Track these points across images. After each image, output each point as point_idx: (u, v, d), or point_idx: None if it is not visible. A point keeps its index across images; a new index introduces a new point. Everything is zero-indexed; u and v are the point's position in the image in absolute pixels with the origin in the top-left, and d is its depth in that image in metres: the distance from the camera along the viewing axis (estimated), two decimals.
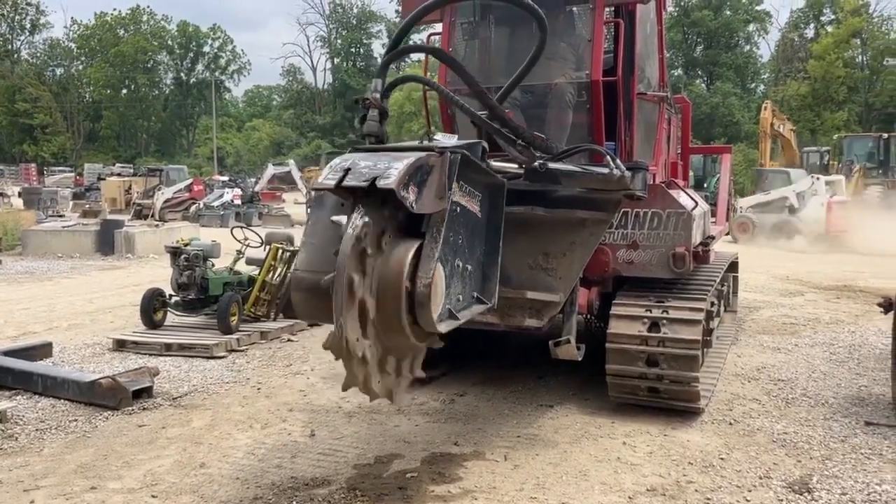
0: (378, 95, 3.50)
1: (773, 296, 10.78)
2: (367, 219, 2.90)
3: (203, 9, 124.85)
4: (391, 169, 2.85)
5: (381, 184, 2.80)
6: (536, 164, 4.02)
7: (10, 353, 6.58)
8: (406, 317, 3.06)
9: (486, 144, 3.66)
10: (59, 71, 74.29)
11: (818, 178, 19.64)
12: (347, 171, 2.91)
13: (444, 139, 3.52)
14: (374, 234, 2.97)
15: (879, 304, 6.49)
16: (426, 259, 3.01)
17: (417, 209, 2.97)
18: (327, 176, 2.95)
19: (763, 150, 28.20)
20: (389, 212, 3.03)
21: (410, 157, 2.96)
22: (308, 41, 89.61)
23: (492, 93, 4.13)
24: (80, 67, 73.53)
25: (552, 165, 4.07)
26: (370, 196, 2.88)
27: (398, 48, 3.84)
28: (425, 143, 3.42)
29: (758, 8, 61.29)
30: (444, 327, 3.20)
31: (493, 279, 3.67)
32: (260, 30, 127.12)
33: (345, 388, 3.12)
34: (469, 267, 3.48)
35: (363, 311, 2.96)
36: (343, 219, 2.97)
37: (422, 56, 5.87)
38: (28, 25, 71.65)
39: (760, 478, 4.29)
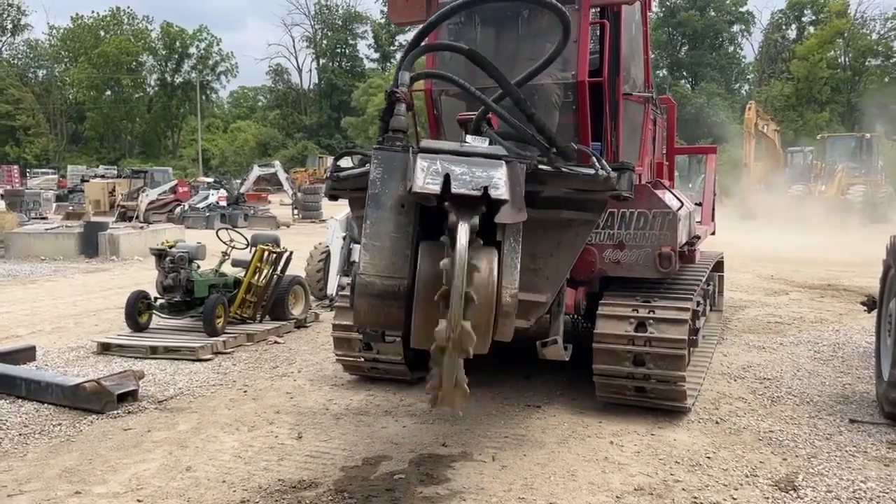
0: (406, 89, 3.42)
1: (759, 295, 10.86)
2: (472, 225, 2.80)
3: (175, 7, 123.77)
4: (495, 178, 2.80)
5: (494, 194, 2.75)
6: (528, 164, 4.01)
7: None
8: (491, 328, 2.99)
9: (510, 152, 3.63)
10: (41, 72, 73.69)
11: None
12: (447, 177, 2.83)
13: (475, 142, 3.42)
14: (475, 240, 2.89)
15: (863, 303, 6.57)
16: (509, 269, 2.95)
17: (502, 218, 2.91)
18: (426, 181, 2.85)
19: (747, 150, 28.42)
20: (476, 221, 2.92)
21: (502, 166, 2.90)
22: (293, 42, 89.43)
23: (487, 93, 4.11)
24: (63, 68, 72.91)
25: (542, 167, 4.07)
26: (469, 205, 2.80)
27: (425, 45, 3.75)
28: (496, 149, 3.28)
29: (741, 9, 61.80)
30: (506, 337, 3.17)
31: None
32: (237, 30, 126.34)
33: (435, 405, 3.03)
34: None
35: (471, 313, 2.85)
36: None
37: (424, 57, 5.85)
38: (9, 26, 70.96)
39: (747, 476, 4.31)
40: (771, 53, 58.61)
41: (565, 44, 3.71)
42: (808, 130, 44.63)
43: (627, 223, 5.42)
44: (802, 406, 5.61)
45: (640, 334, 5.09)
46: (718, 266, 8.20)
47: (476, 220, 2.87)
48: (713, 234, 8.42)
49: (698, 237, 6.69)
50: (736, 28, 63.14)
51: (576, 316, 6.24)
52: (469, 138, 3.58)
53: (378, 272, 3.10)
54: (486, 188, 2.77)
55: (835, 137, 29.51)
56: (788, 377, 6.39)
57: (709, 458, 4.58)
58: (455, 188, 2.80)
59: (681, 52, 62.48)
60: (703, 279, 6.15)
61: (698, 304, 5.89)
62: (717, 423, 5.22)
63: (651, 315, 5.14)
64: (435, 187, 2.83)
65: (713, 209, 8.54)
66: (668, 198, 5.70)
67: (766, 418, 5.33)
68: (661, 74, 57.31)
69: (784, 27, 59.69)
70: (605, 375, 5.24)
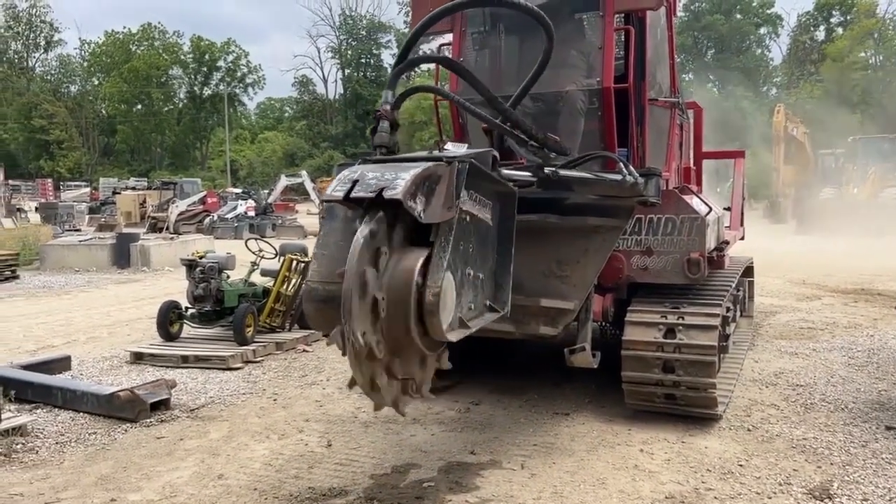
0: (389, 107, 3.53)
1: (790, 300, 10.71)
2: (375, 225, 2.92)
3: (197, 21, 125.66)
4: (398, 180, 2.88)
5: (387, 194, 2.83)
6: (549, 171, 4.02)
7: (29, 367, 6.67)
8: (416, 326, 3.06)
9: (496, 153, 3.67)
10: (73, 87, 75.26)
11: None
12: (355, 182, 2.94)
13: (454, 148, 3.53)
14: (383, 240, 2.98)
15: None
16: (435, 268, 3.02)
17: (426, 219, 2.98)
18: (336, 188, 2.98)
19: (777, 153, 28.04)
20: (398, 222, 3.03)
21: (418, 168, 2.98)
22: (319, 53, 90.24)
23: (502, 101, 4.14)
24: (95, 83, 74.41)
25: (564, 173, 4.08)
26: (379, 207, 2.91)
27: (407, 59, 3.85)
28: (434, 153, 3.44)
29: (768, 11, 61.12)
30: (454, 336, 3.19)
31: (505, 287, 3.67)
32: (261, 42, 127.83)
33: (350, 386, 3.11)
34: (481, 275, 3.48)
35: (374, 308, 2.95)
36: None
37: (432, 65, 5.91)
38: (42, 43, 72.65)
39: (780, 484, 4.25)
40: (799, 55, 57.87)
41: (550, 51, 3.72)
42: (840, 132, 43.95)
43: (655, 229, 5.38)
44: (837, 413, 5.52)
45: (669, 341, 5.05)
46: (748, 271, 8.10)
47: (406, 222, 3.00)
48: (742, 238, 8.33)
49: (727, 242, 6.63)
50: (763, 30, 62.48)
51: (604, 323, 6.21)
52: (449, 145, 3.65)
53: (321, 278, 3.23)
54: (381, 190, 2.85)
55: (867, 139, 28.94)
56: (822, 383, 6.29)
57: (741, 466, 4.52)
58: (354, 193, 2.91)
59: (707, 55, 61.95)
60: (733, 284, 6.08)
61: (728, 309, 5.83)
62: (749, 430, 5.16)
63: (680, 321, 5.10)
64: (339, 194, 2.94)
65: (742, 214, 8.44)
66: (695, 203, 5.66)
67: (800, 425, 5.25)
68: (687, 79, 56.86)
69: (812, 29, 58.92)
70: (635, 383, 5.20)
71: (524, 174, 4.07)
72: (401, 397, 3.36)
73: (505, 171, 3.89)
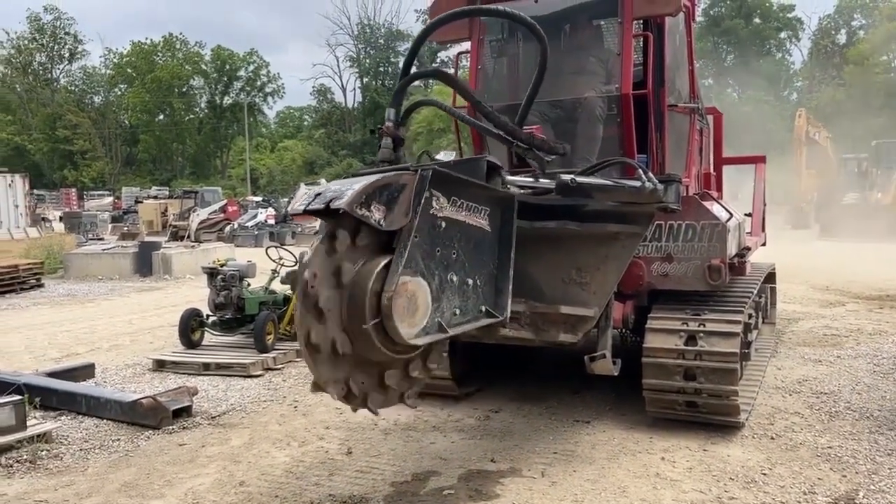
0: (391, 124, 3.63)
1: (813, 306, 10.58)
2: (327, 236, 3.03)
3: (213, 30, 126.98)
4: (349, 191, 2.96)
5: (334, 205, 2.92)
6: (567, 178, 4.03)
7: (54, 375, 6.75)
8: (375, 329, 3.11)
9: (493, 160, 3.71)
10: (97, 98, 76.29)
11: None
12: (317, 196, 3.05)
13: (444, 157, 3.61)
14: (337, 248, 3.05)
15: None
16: (392, 273, 3.08)
17: (386, 226, 3.07)
18: (299, 202, 3.10)
19: (798, 158, 27.76)
20: (361, 231, 3.10)
21: (373, 178, 3.08)
22: (338, 61, 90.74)
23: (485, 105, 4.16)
24: (118, 93, 75.40)
25: (582, 180, 4.07)
26: (340, 217, 2.99)
27: (406, 78, 3.94)
28: (423, 161, 3.53)
29: (789, 15, 60.64)
30: (420, 340, 3.23)
31: (505, 292, 3.68)
32: (278, 51, 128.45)
33: (313, 390, 3.19)
34: (470, 281, 3.51)
35: (321, 314, 3.03)
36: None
37: (449, 71, 5.97)
38: (66, 54, 73.74)
39: (805, 493, 4.20)
40: (821, 59, 57.33)
41: (545, 59, 3.74)
42: (863, 137, 43.43)
43: (675, 235, 5.36)
44: (862, 421, 5.44)
45: (690, 348, 5.01)
46: (770, 277, 8.02)
47: (372, 230, 3.10)
48: (764, 244, 8.25)
49: (748, 248, 6.58)
50: (783, 34, 61.95)
51: (624, 330, 6.18)
52: (441, 153, 3.71)
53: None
54: (331, 201, 2.93)
55: (890, 143, 28.56)
56: (847, 391, 6.20)
57: (764, 474, 4.47)
58: (310, 206, 3.01)
59: (727, 60, 61.52)
60: (755, 291, 6.03)
61: (750, 316, 5.78)
62: (772, 438, 5.10)
63: (701, 328, 5.06)
64: (300, 207, 3.05)
65: (763, 219, 8.37)
66: (716, 209, 5.62)
67: (824, 434, 5.18)
68: (707, 84, 56.51)
69: (833, 32, 58.36)
70: (656, 390, 5.17)
71: (546, 181, 4.07)
72: (375, 398, 3.41)
73: (517, 178, 3.89)
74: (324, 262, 3.00)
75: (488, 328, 3.80)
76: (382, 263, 3.12)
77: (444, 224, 3.32)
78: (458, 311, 3.43)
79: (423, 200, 3.14)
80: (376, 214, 3.01)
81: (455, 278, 3.39)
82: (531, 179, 4.00)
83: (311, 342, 2.98)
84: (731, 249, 5.50)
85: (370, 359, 3.26)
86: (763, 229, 8.31)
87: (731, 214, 6.05)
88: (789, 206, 28.21)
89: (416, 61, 4.30)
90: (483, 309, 3.60)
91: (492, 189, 3.66)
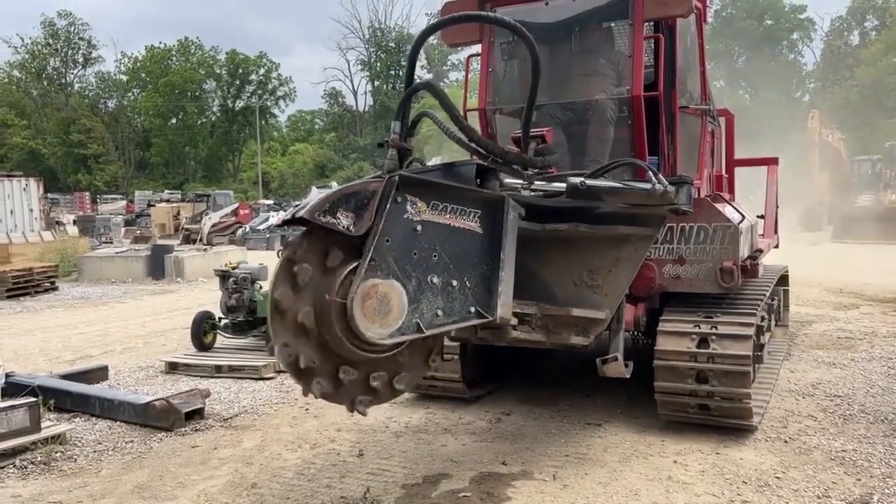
0: (396, 136, 3.66)
1: (827, 309, 10.51)
2: (293, 244, 3.15)
3: (221, 35, 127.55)
4: (311, 201, 3.10)
5: (297, 214, 3.06)
6: (577, 181, 4.03)
7: (68, 377, 6.81)
8: (343, 331, 3.18)
9: (480, 163, 3.76)
10: (111, 103, 76.89)
11: None
12: (294, 207, 3.24)
13: (436, 162, 3.65)
14: (306, 256, 3.14)
15: None
16: (356, 276, 3.16)
17: (356, 231, 3.15)
18: (289, 213, 3.23)
19: (811, 159, 27.61)
20: (332, 238, 3.17)
21: (342, 187, 3.22)
22: (349, 65, 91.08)
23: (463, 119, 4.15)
24: (131, 98, 75.97)
25: (592, 182, 4.07)
26: (311, 226, 3.11)
27: (405, 91, 3.97)
28: (413, 168, 3.64)
29: (801, 16, 60.32)
30: (390, 339, 3.28)
31: (493, 293, 3.69)
32: (287, 55, 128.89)
33: (304, 394, 3.32)
34: (455, 282, 3.53)
35: (296, 322, 3.14)
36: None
37: (460, 74, 6.00)
38: (80, 59, 74.38)
39: (819, 497, 4.17)
40: (833, 60, 56.97)
41: (537, 66, 3.74)
42: (877, 138, 43.12)
43: (687, 237, 5.34)
44: (877, 424, 5.39)
45: (702, 351, 4.99)
46: (783, 280, 7.98)
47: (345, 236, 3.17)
48: (776, 246, 8.20)
49: (761, 251, 6.54)
50: (795, 35, 61.63)
51: (636, 333, 6.15)
52: (436, 158, 3.75)
53: None
54: (296, 212, 3.09)
55: None
56: (861, 394, 6.15)
57: (778, 478, 4.44)
58: (284, 216, 3.20)
59: (739, 62, 61.26)
60: (767, 293, 5.99)
61: (762, 319, 5.75)
62: (785, 441, 5.07)
63: (714, 331, 5.03)
64: (278, 221, 3.29)
65: (776, 221, 8.33)
66: (728, 211, 5.59)
67: (838, 437, 5.14)
68: (718, 85, 56.28)
69: (846, 33, 57.99)
70: (668, 393, 5.14)
71: (560, 185, 4.07)
72: (362, 398, 3.47)
73: (536, 183, 3.89)
74: (282, 275, 3.12)
75: (499, 331, 3.79)
76: (349, 269, 3.21)
77: (420, 227, 3.38)
78: (440, 312, 3.46)
79: (388, 205, 3.21)
80: (344, 221, 3.11)
81: (437, 280, 3.43)
82: (543, 182, 4.00)
83: (282, 352, 3.16)
84: (744, 251, 5.48)
85: (350, 359, 3.34)
86: (776, 231, 8.26)
87: (744, 216, 6.02)
88: (802, 208, 28.06)
89: (421, 67, 4.33)
90: (472, 310, 3.61)
91: (479, 191, 3.69)
